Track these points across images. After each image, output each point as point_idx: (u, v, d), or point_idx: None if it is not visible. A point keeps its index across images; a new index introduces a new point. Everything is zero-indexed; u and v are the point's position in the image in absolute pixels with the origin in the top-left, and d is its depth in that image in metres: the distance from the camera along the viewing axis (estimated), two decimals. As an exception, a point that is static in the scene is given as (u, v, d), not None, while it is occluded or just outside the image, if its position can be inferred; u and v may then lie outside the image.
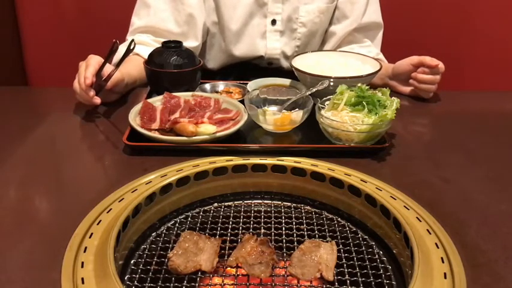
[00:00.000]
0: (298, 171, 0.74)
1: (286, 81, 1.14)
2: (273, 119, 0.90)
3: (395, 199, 0.69)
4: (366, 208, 0.69)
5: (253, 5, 1.23)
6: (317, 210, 0.73)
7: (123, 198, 0.68)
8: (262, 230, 0.68)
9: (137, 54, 1.19)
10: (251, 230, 0.68)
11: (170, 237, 0.67)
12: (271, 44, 1.29)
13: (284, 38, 1.29)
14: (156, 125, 0.88)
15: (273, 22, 1.27)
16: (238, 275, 0.59)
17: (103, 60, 0.97)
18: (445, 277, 0.55)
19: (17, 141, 0.88)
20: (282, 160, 0.76)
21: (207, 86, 1.11)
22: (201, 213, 0.73)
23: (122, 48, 0.99)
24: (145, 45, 1.20)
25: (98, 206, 0.67)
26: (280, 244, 0.65)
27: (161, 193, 0.69)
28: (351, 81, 0.98)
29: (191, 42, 1.21)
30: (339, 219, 0.72)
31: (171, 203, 0.71)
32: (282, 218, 0.71)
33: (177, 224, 0.70)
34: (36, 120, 1.00)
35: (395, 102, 0.86)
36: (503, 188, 0.77)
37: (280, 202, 0.75)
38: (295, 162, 0.76)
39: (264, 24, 1.27)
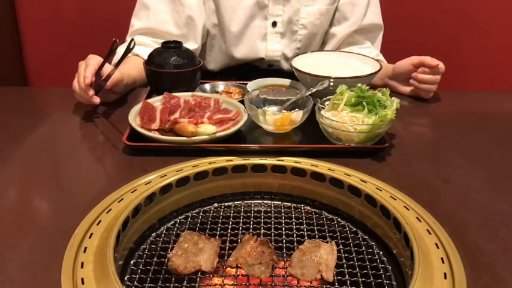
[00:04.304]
0: (298, 172, 0.74)
1: (286, 82, 1.14)
2: (273, 119, 0.90)
3: (395, 199, 0.69)
4: (366, 208, 0.68)
5: (254, 7, 1.23)
6: (317, 211, 0.73)
7: (122, 199, 0.68)
8: (262, 230, 0.68)
9: (137, 55, 1.19)
10: (251, 230, 0.68)
11: (170, 237, 0.67)
12: (272, 46, 1.29)
13: (285, 40, 1.29)
14: (156, 125, 0.88)
15: (274, 24, 1.26)
16: (238, 276, 0.59)
17: (103, 60, 0.97)
18: (445, 277, 0.55)
19: (17, 141, 0.88)
20: (282, 160, 0.76)
21: (207, 86, 1.11)
22: (201, 213, 0.73)
23: (121, 49, 0.99)
24: (145, 46, 1.20)
25: (97, 206, 0.67)
26: (280, 244, 0.65)
27: (161, 193, 0.69)
28: (351, 82, 0.98)
29: (191, 45, 1.21)
30: (339, 219, 0.72)
31: (170, 203, 0.71)
32: (282, 218, 0.71)
33: (176, 224, 0.70)
34: (36, 120, 1.00)
35: (395, 102, 0.86)
36: (503, 188, 0.77)
37: (280, 202, 0.75)
38: (295, 162, 0.76)
39: (265, 26, 1.27)
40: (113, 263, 0.53)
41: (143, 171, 0.76)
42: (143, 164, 0.79)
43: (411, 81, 1.15)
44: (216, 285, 0.57)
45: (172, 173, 0.73)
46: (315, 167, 0.75)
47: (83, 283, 0.52)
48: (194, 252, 0.61)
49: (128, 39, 1.23)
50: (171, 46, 1.07)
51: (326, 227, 0.69)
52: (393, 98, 0.87)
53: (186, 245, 0.62)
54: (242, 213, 0.72)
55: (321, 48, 1.35)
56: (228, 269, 0.61)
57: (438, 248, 0.60)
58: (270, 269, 0.59)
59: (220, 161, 0.76)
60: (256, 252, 0.61)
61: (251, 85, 1.11)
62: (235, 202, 0.75)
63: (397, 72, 1.18)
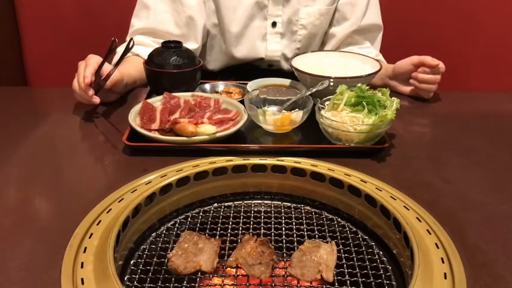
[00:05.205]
0: (298, 172, 0.74)
1: (286, 82, 1.14)
2: (273, 119, 0.90)
3: (395, 199, 0.69)
4: (366, 208, 0.68)
5: (254, 7, 1.23)
6: (317, 211, 0.73)
7: (122, 199, 0.68)
8: (262, 231, 0.68)
9: (137, 55, 1.19)
10: (251, 231, 0.68)
11: (170, 237, 0.67)
12: (272, 46, 1.29)
13: (284, 40, 1.29)
14: (156, 125, 0.88)
15: (274, 24, 1.27)
16: (238, 276, 0.59)
17: (102, 60, 0.97)
18: (445, 277, 0.55)
19: (17, 142, 0.88)
20: (282, 160, 0.76)
21: (207, 86, 1.11)
22: (201, 213, 0.73)
23: (121, 49, 1.00)
24: (145, 46, 1.20)
25: (97, 206, 0.67)
26: (280, 244, 0.65)
27: (161, 193, 0.69)
28: (351, 81, 0.98)
29: (191, 45, 1.21)
30: (339, 219, 0.72)
31: (171, 203, 0.71)
32: (282, 218, 0.71)
33: (176, 224, 0.70)
34: (36, 120, 1.00)
35: (395, 102, 0.85)
36: (503, 188, 0.77)
37: (280, 202, 0.75)
38: (295, 162, 0.76)
39: (265, 27, 1.27)
40: (113, 263, 0.53)
41: (143, 171, 0.76)
42: (143, 164, 0.79)
43: (411, 81, 1.15)
44: (216, 285, 0.57)
45: (173, 173, 0.73)
46: (315, 167, 0.75)
47: (82, 283, 0.52)
48: (194, 252, 0.61)
49: (128, 39, 1.23)
50: (171, 46, 1.07)
51: (326, 227, 0.69)
52: (393, 98, 0.87)
53: (186, 245, 0.62)
54: (242, 213, 0.72)
55: (321, 48, 1.35)
56: (228, 269, 0.61)
57: (438, 248, 0.60)
58: (270, 269, 0.59)
59: (220, 161, 0.76)
60: (256, 252, 0.61)
61: (251, 85, 1.11)
62: (235, 202, 0.75)
63: (397, 72, 1.18)
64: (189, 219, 0.71)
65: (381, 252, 0.65)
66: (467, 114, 1.12)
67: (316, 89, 0.98)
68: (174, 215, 0.72)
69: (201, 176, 0.73)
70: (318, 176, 0.73)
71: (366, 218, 0.69)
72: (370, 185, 0.72)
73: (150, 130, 0.86)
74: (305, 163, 0.76)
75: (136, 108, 0.92)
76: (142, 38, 1.21)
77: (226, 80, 1.19)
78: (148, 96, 1.07)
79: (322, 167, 0.76)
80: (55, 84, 1.33)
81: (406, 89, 1.18)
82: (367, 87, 0.89)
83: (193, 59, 1.09)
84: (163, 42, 1.08)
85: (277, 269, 0.61)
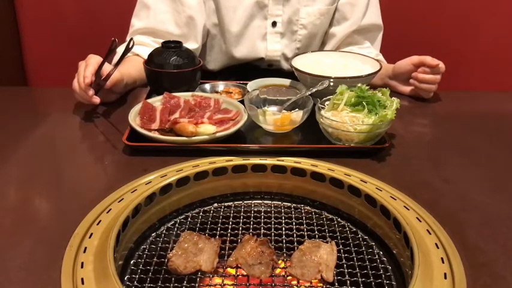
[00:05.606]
0: (298, 172, 0.74)
1: (286, 82, 1.14)
2: (273, 119, 0.90)
3: (395, 199, 0.69)
4: (366, 208, 0.68)
5: (254, 7, 1.23)
6: (317, 211, 0.73)
7: (122, 199, 0.68)
8: (262, 231, 0.68)
9: (137, 55, 1.19)
10: (251, 231, 0.68)
11: (170, 237, 0.67)
12: (272, 46, 1.29)
13: (284, 40, 1.29)
14: (156, 125, 0.88)
15: (274, 24, 1.27)
16: (238, 276, 0.59)
17: (102, 60, 0.97)
18: (445, 277, 0.55)
19: (17, 142, 0.88)
20: (282, 160, 0.76)
21: (207, 86, 1.11)
22: (201, 213, 0.73)
23: (121, 49, 1.00)
24: (145, 46, 1.20)
25: (97, 206, 0.67)
26: (280, 244, 0.65)
27: (161, 193, 0.69)
28: (351, 81, 0.98)
29: (191, 44, 1.21)
30: (339, 219, 0.72)
31: (171, 203, 0.71)
32: (282, 219, 0.71)
33: (176, 224, 0.70)
34: (36, 120, 1.00)
35: (395, 102, 0.85)
36: (503, 188, 0.77)
37: (280, 202, 0.75)
38: (295, 162, 0.76)
39: (265, 26, 1.27)
40: (113, 263, 0.53)
41: (143, 171, 0.76)
42: (143, 164, 0.79)
43: (411, 81, 1.15)
44: (216, 285, 0.57)
45: (173, 173, 0.73)
46: (315, 167, 0.75)
47: (82, 283, 0.52)
48: (194, 252, 0.61)
49: (128, 39, 1.23)
50: (171, 46, 1.07)
51: (326, 227, 0.69)
52: (393, 98, 0.87)
53: (186, 245, 0.62)
54: (242, 213, 0.72)
55: (321, 48, 1.35)
56: (228, 269, 0.61)
57: (438, 248, 0.60)
58: (270, 269, 0.59)
59: (220, 161, 0.76)
60: (256, 252, 0.61)
61: (251, 85, 1.11)
62: (235, 202, 0.75)
63: (397, 72, 1.18)
64: (189, 219, 0.71)
65: (381, 252, 0.65)
66: (467, 114, 1.12)
67: (316, 89, 0.98)
68: (174, 215, 0.72)
69: (201, 176, 0.73)
70: (318, 176, 0.73)
71: (366, 218, 0.69)
72: (370, 185, 0.72)
73: (150, 130, 0.86)
74: (305, 163, 0.76)
75: (136, 108, 0.92)
76: (143, 37, 1.21)
77: (226, 80, 1.19)
78: (148, 96, 1.07)
79: (322, 167, 0.76)
80: (55, 84, 1.33)
81: (406, 89, 1.18)
82: (367, 87, 0.89)
83: (193, 59, 1.09)
84: (163, 42, 1.08)
85: (277, 269, 0.61)
